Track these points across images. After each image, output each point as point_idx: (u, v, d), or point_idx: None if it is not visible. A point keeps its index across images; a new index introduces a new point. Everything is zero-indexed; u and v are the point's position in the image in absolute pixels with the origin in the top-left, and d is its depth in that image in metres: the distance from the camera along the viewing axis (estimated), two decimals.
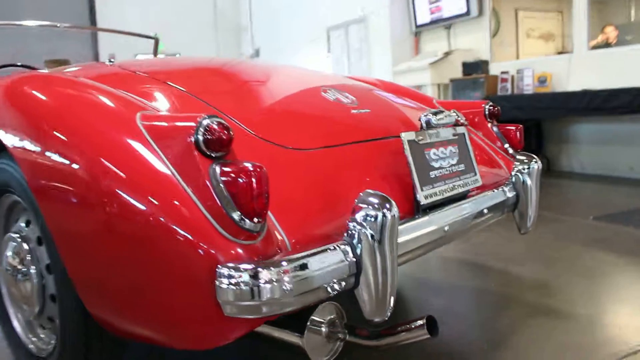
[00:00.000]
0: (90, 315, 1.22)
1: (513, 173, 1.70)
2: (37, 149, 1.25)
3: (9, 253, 1.49)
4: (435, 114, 1.45)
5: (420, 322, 1.08)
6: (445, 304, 2.07)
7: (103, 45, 11.38)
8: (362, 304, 1.08)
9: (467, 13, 6.18)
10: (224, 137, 1.00)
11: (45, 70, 2.32)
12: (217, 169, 0.99)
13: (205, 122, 1.00)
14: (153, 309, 1.06)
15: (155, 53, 3.54)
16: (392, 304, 1.09)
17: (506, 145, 1.94)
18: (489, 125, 1.97)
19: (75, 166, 1.14)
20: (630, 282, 2.24)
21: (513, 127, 1.96)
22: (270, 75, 1.83)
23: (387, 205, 1.05)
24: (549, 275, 2.30)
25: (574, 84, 4.97)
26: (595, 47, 5.14)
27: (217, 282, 0.93)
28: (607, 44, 5.43)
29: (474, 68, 5.54)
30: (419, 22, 6.98)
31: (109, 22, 10.62)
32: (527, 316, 1.89)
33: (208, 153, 1.00)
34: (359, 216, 1.05)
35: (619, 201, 3.77)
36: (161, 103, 1.32)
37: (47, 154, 1.21)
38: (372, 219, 1.04)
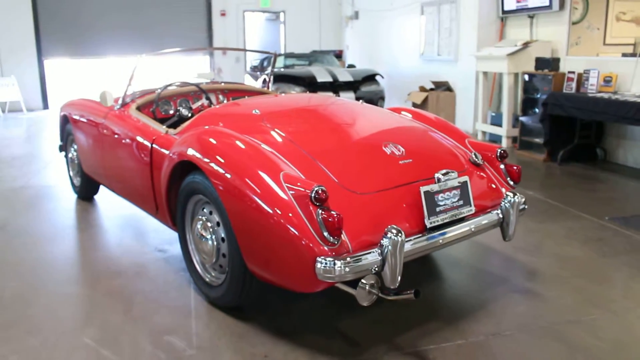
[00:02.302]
0: (247, 266, 2.40)
1: (502, 203, 2.66)
2: (222, 174, 2.39)
3: (199, 227, 2.70)
4: (445, 174, 2.44)
5: (412, 291, 2.15)
6: (453, 276, 3.10)
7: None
8: (384, 278, 2.16)
9: (549, 6, 6.63)
10: (324, 198, 2.09)
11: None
12: (319, 212, 2.08)
13: (316, 188, 2.09)
14: (281, 268, 2.21)
15: (273, 66, 4.63)
16: (399, 279, 2.15)
17: (508, 178, 2.87)
18: (499, 163, 2.90)
19: (246, 191, 2.27)
20: (595, 275, 3.11)
21: (515, 167, 2.87)
22: (355, 130, 2.89)
23: (399, 234, 2.10)
24: (542, 265, 3.22)
25: (637, 87, 5.48)
26: None
27: (316, 264, 2.05)
28: None
29: (545, 64, 6.11)
30: (506, 8, 7.47)
31: None
32: (509, 292, 2.87)
33: (316, 203, 2.10)
34: (386, 237, 2.12)
35: None
36: (294, 161, 2.42)
37: (227, 176, 2.36)
38: (392, 239, 2.10)
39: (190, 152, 2.63)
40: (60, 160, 6.21)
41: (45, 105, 11.84)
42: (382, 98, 8.81)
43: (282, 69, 9.33)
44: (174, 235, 3.75)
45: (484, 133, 7.52)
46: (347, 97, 8.39)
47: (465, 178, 2.56)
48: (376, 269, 2.14)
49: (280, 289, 2.39)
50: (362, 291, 2.17)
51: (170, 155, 2.82)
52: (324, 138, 2.71)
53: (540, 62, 6.17)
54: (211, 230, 2.62)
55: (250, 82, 10.92)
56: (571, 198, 4.63)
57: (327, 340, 2.41)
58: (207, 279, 2.76)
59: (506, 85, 6.86)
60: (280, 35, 13.59)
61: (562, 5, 6.48)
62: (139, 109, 3.74)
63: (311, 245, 2.07)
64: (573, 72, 5.74)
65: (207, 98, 4.02)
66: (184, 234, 2.90)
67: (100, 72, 13.78)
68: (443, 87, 8.67)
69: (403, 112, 3.52)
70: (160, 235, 3.83)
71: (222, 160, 2.43)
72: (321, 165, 2.43)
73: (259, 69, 10.31)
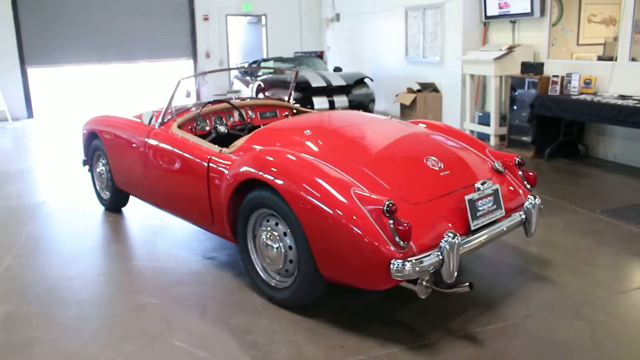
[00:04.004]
0: (317, 269, 2.77)
1: (525, 205, 3.12)
2: (297, 191, 2.75)
3: (264, 237, 3.07)
4: (483, 184, 2.88)
5: (467, 284, 2.58)
6: (479, 269, 3.55)
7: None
8: (443, 274, 2.58)
9: (531, 13, 7.17)
10: (394, 210, 2.50)
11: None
12: (391, 222, 2.49)
13: (387, 202, 2.50)
14: (356, 270, 2.61)
15: (295, 81, 4.99)
16: (455, 275, 2.58)
17: (525, 182, 3.33)
18: (517, 170, 3.36)
19: (323, 207, 2.65)
20: (595, 263, 3.61)
21: (531, 173, 3.34)
22: (398, 145, 3.32)
23: (456, 237, 2.54)
24: (550, 255, 3.71)
25: (614, 89, 6.06)
26: None
27: (390, 265, 2.46)
28: None
29: (531, 68, 6.65)
30: (489, 13, 7.98)
31: None
32: (530, 280, 3.34)
33: (387, 214, 2.50)
34: (444, 239, 2.55)
35: (628, 195, 5.02)
36: (354, 176, 2.81)
37: (302, 194, 2.72)
38: (449, 242, 2.53)
39: (259, 171, 2.96)
40: (71, 173, 6.47)
41: (30, 114, 11.86)
42: (373, 100, 9.24)
43: (271, 75, 9.65)
44: (216, 242, 4.11)
45: (472, 132, 8.03)
46: (341, 100, 8.79)
47: (497, 186, 3.01)
48: (435, 267, 2.56)
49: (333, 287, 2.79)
50: (421, 287, 2.59)
51: (233, 173, 3.15)
52: (374, 154, 3.12)
53: (526, 67, 6.70)
54: (278, 239, 2.99)
55: (239, 87, 11.19)
56: (562, 192, 5.15)
57: (390, 330, 2.82)
58: (273, 283, 3.12)
59: (493, 88, 7.38)
60: (262, 38, 13.86)
61: (542, 12, 7.02)
62: (179, 127, 4.05)
63: (385, 250, 2.48)
64: (557, 76, 6.28)
65: (240, 114, 4.36)
66: (246, 244, 3.24)
67: (84, 80, 13.81)
68: (430, 88, 9.15)
69: (419, 124, 3.94)
70: (202, 244, 4.16)
71: (296, 179, 2.79)
72: (379, 180, 2.83)
73: (249, 73, 10.59)
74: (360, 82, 9.29)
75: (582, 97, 5.93)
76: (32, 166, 7.14)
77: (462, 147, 3.47)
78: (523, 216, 3.12)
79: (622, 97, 5.70)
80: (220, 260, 3.84)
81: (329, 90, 8.81)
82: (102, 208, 5.12)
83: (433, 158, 3.10)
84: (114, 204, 4.98)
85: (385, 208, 2.51)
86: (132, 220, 4.84)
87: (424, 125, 3.91)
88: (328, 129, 3.40)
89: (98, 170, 5.02)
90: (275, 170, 2.91)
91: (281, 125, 3.57)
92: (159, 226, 4.61)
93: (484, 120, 7.73)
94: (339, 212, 2.60)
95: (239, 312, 3.08)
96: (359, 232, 2.52)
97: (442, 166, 3.06)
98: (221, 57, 13.34)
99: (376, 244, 2.49)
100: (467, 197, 2.82)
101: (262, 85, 9.07)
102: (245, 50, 14.43)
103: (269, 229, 3.05)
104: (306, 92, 8.67)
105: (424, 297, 2.63)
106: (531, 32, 7.35)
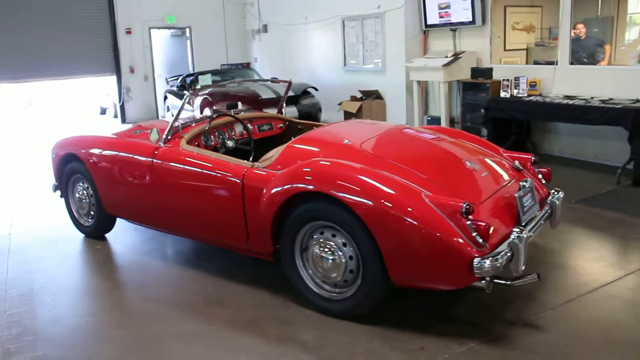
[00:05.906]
0: (385, 277, 2.84)
1: (550, 199, 3.40)
2: (368, 203, 2.78)
3: (317, 250, 3.08)
4: (525, 181, 3.12)
5: (534, 274, 2.78)
6: None
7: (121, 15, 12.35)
8: (511, 268, 2.75)
9: (473, 22, 7.70)
10: (471, 211, 2.64)
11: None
12: (469, 223, 2.63)
13: (464, 204, 2.64)
14: (438, 271, 2.71)
15: (286, 93, 5.00)
16: (523, 267, 2.77)
17: (540, 176, 3.63)
18: (534, 167, 3.65)
19: (399, 214, 2.70)
20: (597, 247, 4.01)
21: (546, 169, 3.64)
22: (435, 150, 3.48)
23: (524, 232, 2.73)
24: (556, 245, 4.05)
25: (556, 90, 6.68)
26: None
27: (473, 263, 2.59)
28: (578, 38, 7.06)
29: (481, 73, 7.15)
30: (429, 22, 8.44)
31: None
32: (552, 269, 3.64)
33: (465, 216, 2.64)
34: (514, 235, 2.73)
35: (589, 186, 5.58)
36: (421, 184, 2.91)
37: (371, 204, 2.77)
38: (519, 237, 2.71)
39: (324, 186, 2.94)
40: (20, 198, 6.06)
41: None
42: (320, 110, 9.39)
43: (216, 89, 9.47)
44: (229, 260, 4.00)
45: None
46: (290, 111, 8.84)
47: (532, 182, 3.26)
48: (506, 261, 2.72)
49: None
50: (487, 281, 2.75)
51: (284, 189, 3.09)
52: (421, 160, 3.26)
53: (476, 72, 7.20)
54: (336, 249, 3.01)
55: (173, 101, 10.85)
56: None
57: (454, 327, 2.95)
58: (328, 296, 3.12)
59: (442, 93, 7.82)
60: (187, 51, 13.53)
61: (484, 20, 7.57)
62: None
63: (468, 249, 2.62)
64: (508, 80, 6.80)
65: (245, 128, 4.30)
66: (293, 259, 3.21)
67: None
68: (373, 95, 9.47)
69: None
70: (215, 264, 4.00)
71: (365, 191, 2.82)
72: (437, 184, 2.96)
73: (186, 87, 10.30)
74: (305, 92, 9.40)
75: (533, 98, 6.48)
76: None
77: (483, 150, 3.71)
78: (549, 210, 3.40)
79: (568, 97, 6.31)
80: (245, 278, 3.75)
81: (277, 102, 8.82)
82: (81, 235, 4.78)
83: (469, 161, 3.29)
84: (99, 231, 4.68)
85: (463, 210, 2.65)
86: (121, 245, 4.58)
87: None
88: (365, 138, 3.45)
89: (77, 195, 4.69)
90: (341, 183, 2.90)
91: (315, 137, 3.57)
92: (152, 249, 4.42)
93: (433, 124, 8.14)
94: (415, 217, 2.69)
95: (299, 328, 3.05)
96: (441, 235, 2.64)
97: (479, 168, 3.27)
98: (146, 71, 12.87)
99: (460, 244, 2.62)
100: (517, 195, 3.04)
101: (210, 99, 8.88)
102: (170, 63, 13.96)
103: (321, 240, 3.06)
104: (256, 105, 8.62)
105: (488, 292, 2.79)
106: (472, 40, 7.88)
